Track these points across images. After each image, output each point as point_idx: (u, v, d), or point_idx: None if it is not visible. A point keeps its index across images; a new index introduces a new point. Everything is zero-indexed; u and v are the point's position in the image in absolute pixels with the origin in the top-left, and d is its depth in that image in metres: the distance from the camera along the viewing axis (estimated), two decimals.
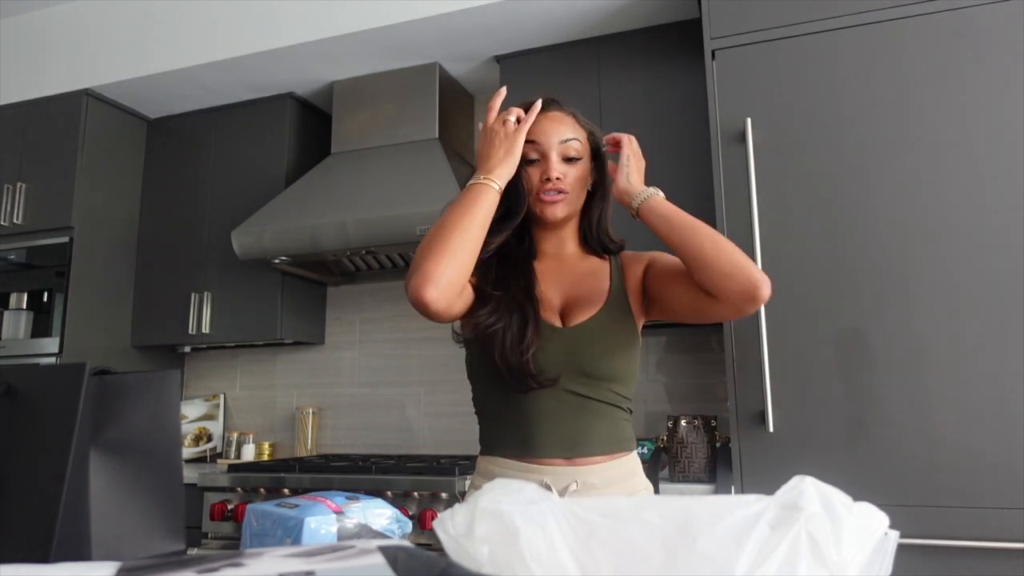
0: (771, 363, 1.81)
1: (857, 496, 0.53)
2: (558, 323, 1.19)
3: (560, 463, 1.13)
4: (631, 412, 1.24)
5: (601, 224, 1.30)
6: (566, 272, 1.26)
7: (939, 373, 1.70)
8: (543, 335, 1.14)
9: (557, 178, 1.20)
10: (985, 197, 1.73)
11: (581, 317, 1.19)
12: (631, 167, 1.24)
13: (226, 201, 3.03)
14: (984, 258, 1.71)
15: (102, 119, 3.07)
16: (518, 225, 1.24)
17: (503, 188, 1.14)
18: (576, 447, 1.13)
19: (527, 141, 1.21)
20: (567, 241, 1.29)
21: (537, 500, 0.49)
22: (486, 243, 1.14)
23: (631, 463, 1.19)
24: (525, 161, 1.21)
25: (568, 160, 1.23)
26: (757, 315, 1.83)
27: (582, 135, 1.26)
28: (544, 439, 1.13)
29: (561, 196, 1.21)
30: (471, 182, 1.13)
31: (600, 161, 1.29)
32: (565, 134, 1.23)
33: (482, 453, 1.21)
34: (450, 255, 1.05)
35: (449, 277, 1.05)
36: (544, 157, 1.22)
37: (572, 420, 1.14)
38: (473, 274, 1.15)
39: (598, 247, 1.30)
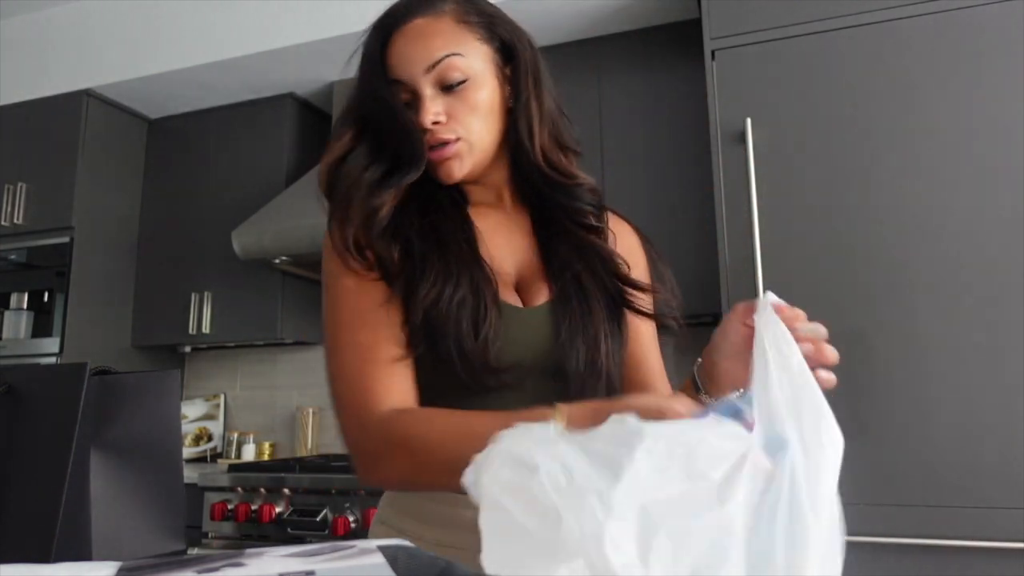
0: None
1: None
2: (517, 302, 0.87)
3: None
4: None
5: (538, 155, 0.88)
6: (515, 229, 0.93)
7: (939, 373, 1.70)
8: (503, 316, 0.82)
9: (435, 123, 0.83)
10: (985, 196, 1.73)
11: (544, 295, 0.88)
12: None
13: (226, 201, 3.02)
14: (985, 258, 1.71)
15: (102, 119, 3.06)
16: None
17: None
18: None
19: (394, 80, 0.84)
20: (503, 188, 0.94)
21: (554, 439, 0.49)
22: (377, 202, 0.82)
23: None
24: (407, 104, 0.85)
25: (449, 89, 0.84)
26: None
27: (464, 40, 0.85)
28: None
29: (451, 148, 0.83)
30: None
31: (516, 62, 0.88)
32: (432, 53, 0.82)
33: None
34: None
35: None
36: (415, 96, 0.84)
37: None
38: (384, 243, 0.83)
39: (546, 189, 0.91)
